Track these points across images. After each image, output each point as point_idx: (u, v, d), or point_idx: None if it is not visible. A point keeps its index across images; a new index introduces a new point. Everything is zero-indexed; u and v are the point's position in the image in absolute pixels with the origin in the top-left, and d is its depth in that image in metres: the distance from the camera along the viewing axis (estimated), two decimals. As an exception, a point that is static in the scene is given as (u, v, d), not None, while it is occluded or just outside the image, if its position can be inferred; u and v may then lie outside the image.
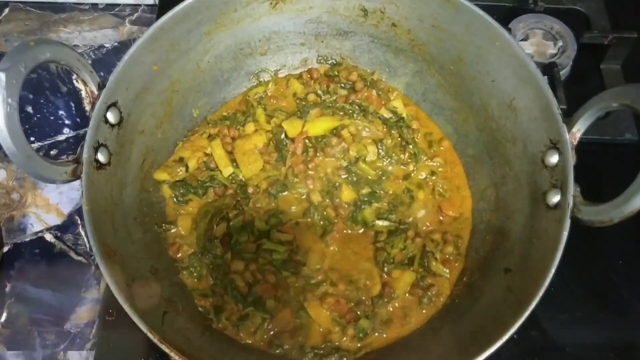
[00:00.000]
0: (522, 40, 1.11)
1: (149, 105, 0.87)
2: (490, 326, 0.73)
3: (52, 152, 1.06)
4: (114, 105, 0.79)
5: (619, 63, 1.11)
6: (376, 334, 0.84)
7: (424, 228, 0.92)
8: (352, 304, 0.85)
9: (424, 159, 0.97)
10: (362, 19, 0.96)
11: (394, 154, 0.96)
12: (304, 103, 1.00)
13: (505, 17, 1.12)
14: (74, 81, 1.13)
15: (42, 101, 1.11)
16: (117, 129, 0.80)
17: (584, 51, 1.09)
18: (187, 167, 0.92)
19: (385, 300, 0.85)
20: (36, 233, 0.99)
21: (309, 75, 1.03)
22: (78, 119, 1.10)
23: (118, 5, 1.24)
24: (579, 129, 0.74)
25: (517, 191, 0.84)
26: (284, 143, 0.95)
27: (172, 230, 0.91)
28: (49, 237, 0.99)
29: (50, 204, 1.02)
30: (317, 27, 0.99)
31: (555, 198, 0.75)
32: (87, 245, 0.98)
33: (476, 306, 0.81)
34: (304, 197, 0.93)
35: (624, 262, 0.96)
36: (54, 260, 0.97)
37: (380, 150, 0.96)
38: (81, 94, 1.12)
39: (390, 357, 0.82)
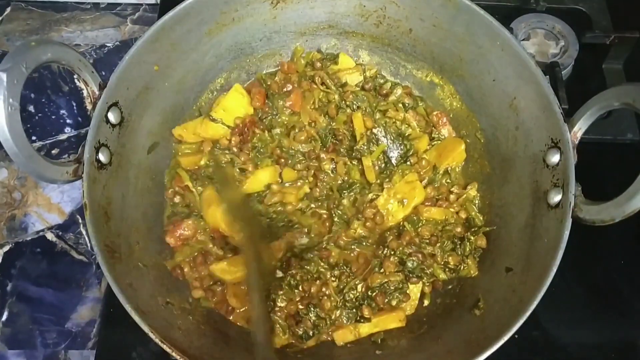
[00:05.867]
0: (524, 39, 1.10)
1: (150, 105, 0.87)
2: (492, 326, 0.73)
3: (54, 151, 1.06)
4: (115, 105, 0.78)
5: (620, 63, 1.11)
6: None
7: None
8: None
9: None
10: (363, 19, 0.96)
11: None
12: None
13: (507, 17, 1.12)
14: (76, 80, 1.13)
15: (43, 100, 1.12)
16: (118, 128, 0.80)
17: (586, 51, 1.09)
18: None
19: None
20: (37, 232, 1.00)
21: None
22: (79, 118, 1.10)
23: (120, 4, 1.24)
24: (580, 128, 0.74)
25: (519, 190, 0.84)
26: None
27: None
28: (50, 236, 0.99)
29: (51, 203, 1.02)
30: (318, 26, 0.99)
31: (556, 197, 0.75)
32: (88, 245, 0.98)
33: (478, 306, 0.81)
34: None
35: (625, 262, 0.96)
36: (55, 259, 0.97)
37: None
38: (82, 93, 1.12)
39: (391, 358, 0.82)
